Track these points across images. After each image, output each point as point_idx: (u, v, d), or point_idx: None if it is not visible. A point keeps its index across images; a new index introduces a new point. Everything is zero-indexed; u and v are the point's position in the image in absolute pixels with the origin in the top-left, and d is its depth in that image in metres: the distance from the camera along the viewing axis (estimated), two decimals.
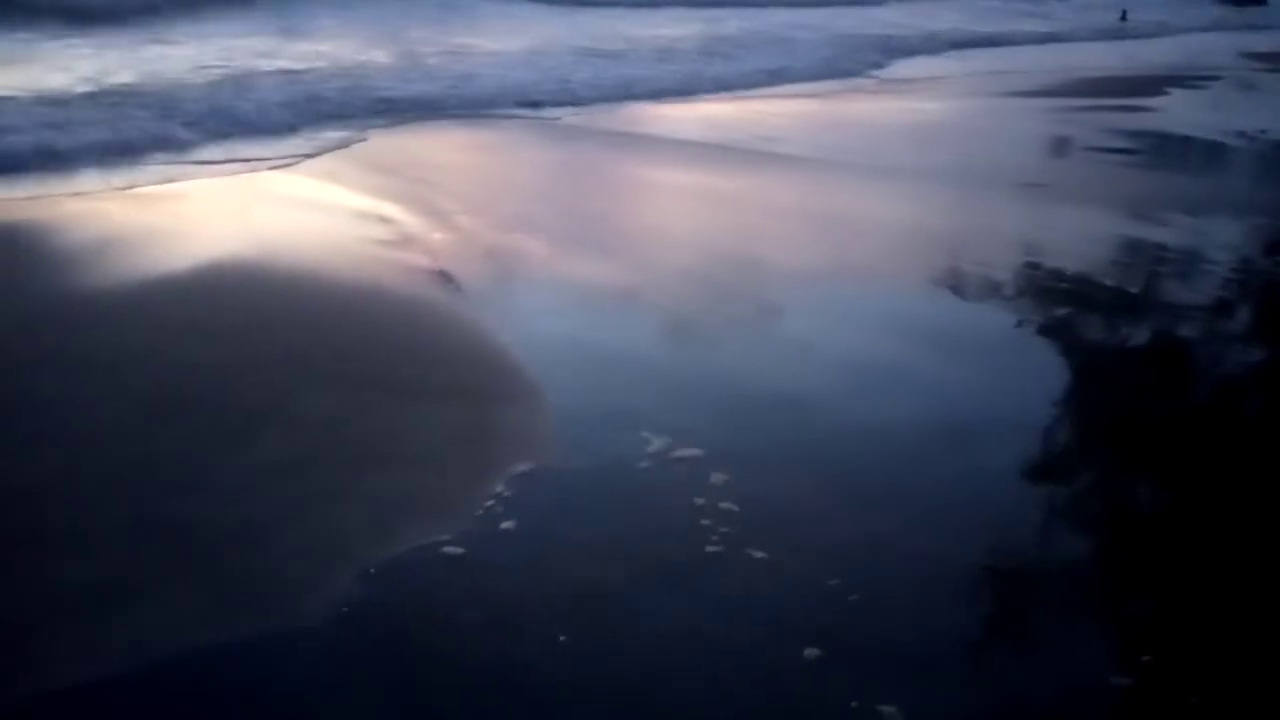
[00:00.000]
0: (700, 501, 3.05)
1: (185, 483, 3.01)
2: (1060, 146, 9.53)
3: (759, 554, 2.81)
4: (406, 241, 5.27)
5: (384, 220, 5.56)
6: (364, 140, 7.52)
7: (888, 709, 2.25)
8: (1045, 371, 4.23)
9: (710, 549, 2.85)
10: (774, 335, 4.52)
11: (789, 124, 9.56)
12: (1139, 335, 4.90)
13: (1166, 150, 9.63)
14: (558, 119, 9.08)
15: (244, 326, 4.09)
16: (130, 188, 5.96)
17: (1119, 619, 2.74)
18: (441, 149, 7.93)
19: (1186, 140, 9.95)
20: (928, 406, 3.84)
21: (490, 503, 2.99)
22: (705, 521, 2.96)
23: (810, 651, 2.43)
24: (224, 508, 2.90)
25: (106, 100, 7.85)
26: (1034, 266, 5.63)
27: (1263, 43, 19.15)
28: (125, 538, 2.76)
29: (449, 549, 2.78)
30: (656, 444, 3.36)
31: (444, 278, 4.79)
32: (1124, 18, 22.45)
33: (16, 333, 3.94)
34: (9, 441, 3.20)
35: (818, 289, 5.14)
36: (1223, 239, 6.38)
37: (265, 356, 3.83)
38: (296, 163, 6.75)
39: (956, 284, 5.32)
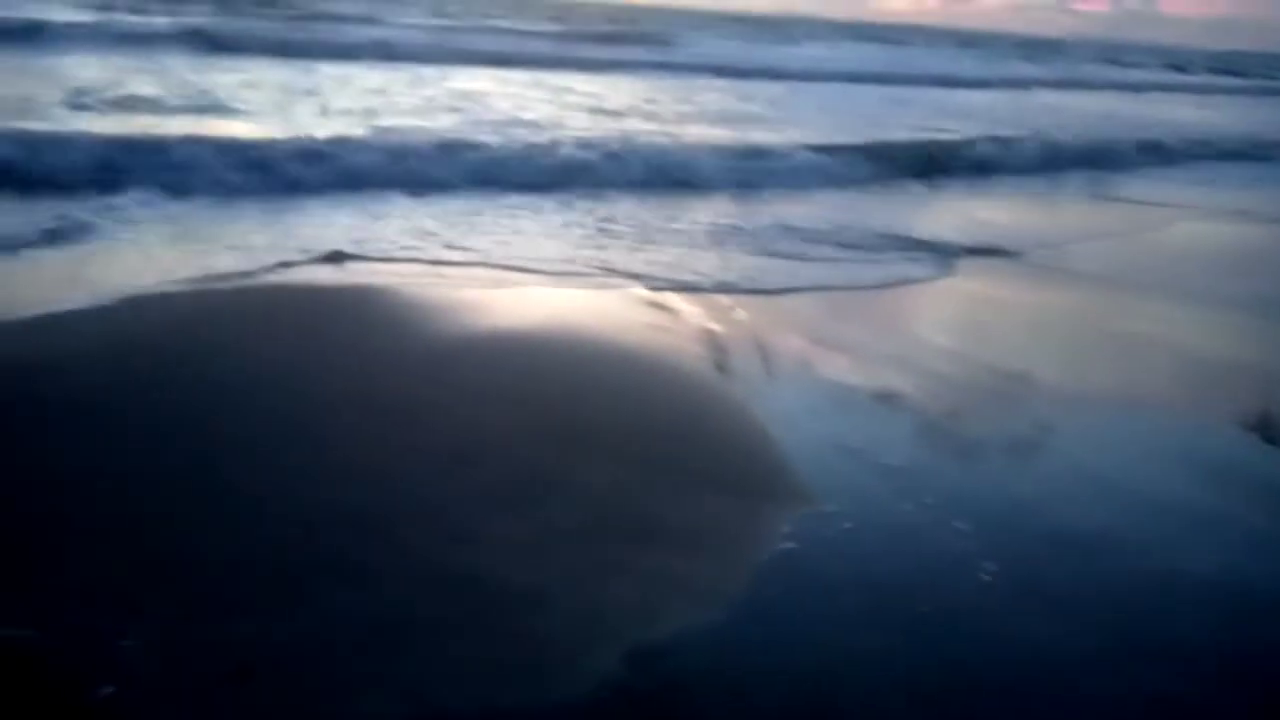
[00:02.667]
0: (975, 636, 2.88)
1: (471, 537, 3.15)
2: None
3: (1028, 695, 2.65)
4: (689, 330, 5.35)
5: (669, 308, 5.71)
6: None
7: None
8: None
9: (977, 679, 2.69)
10: (1058, 463, 4.22)
11: (1048, 232, 9.06)
12: None
13: None
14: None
15: (535, 394, 4.29)
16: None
17: None
18: None
19: None
20: (1238, 562, 3.45)
21: (755, 599, 2.95)
22: (973, 654, 2.79)
23: None
24: (506, 567, 3.00)
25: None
26: None
27: None
28: (410, 581, 2.91)
29: (712, 639, 2.76)
30: (925, 563, 3.23)
31: (721, 369, 4.83)
32: None
33: (339, 379, 4.31)
34: (316, 475, 3.46)
35: (1109, 417, 4.76)
36: None
37: (553, 425, 3.99)
38: None
39: (1273, 428, 4.77)
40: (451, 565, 2.99)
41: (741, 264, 6.89)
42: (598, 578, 2.99)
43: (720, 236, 7.68)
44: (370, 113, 11.58)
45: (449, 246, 6.68)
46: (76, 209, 6.52)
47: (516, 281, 6.10)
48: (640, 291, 6.00)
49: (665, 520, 3.35)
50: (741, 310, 5.80)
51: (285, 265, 5.94)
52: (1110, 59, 47.91)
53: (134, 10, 23.94)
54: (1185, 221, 10.28)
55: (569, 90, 16.29)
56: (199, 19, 22.02)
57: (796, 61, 28.12)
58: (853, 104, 18.98)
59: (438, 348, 4.77)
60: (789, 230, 7.99)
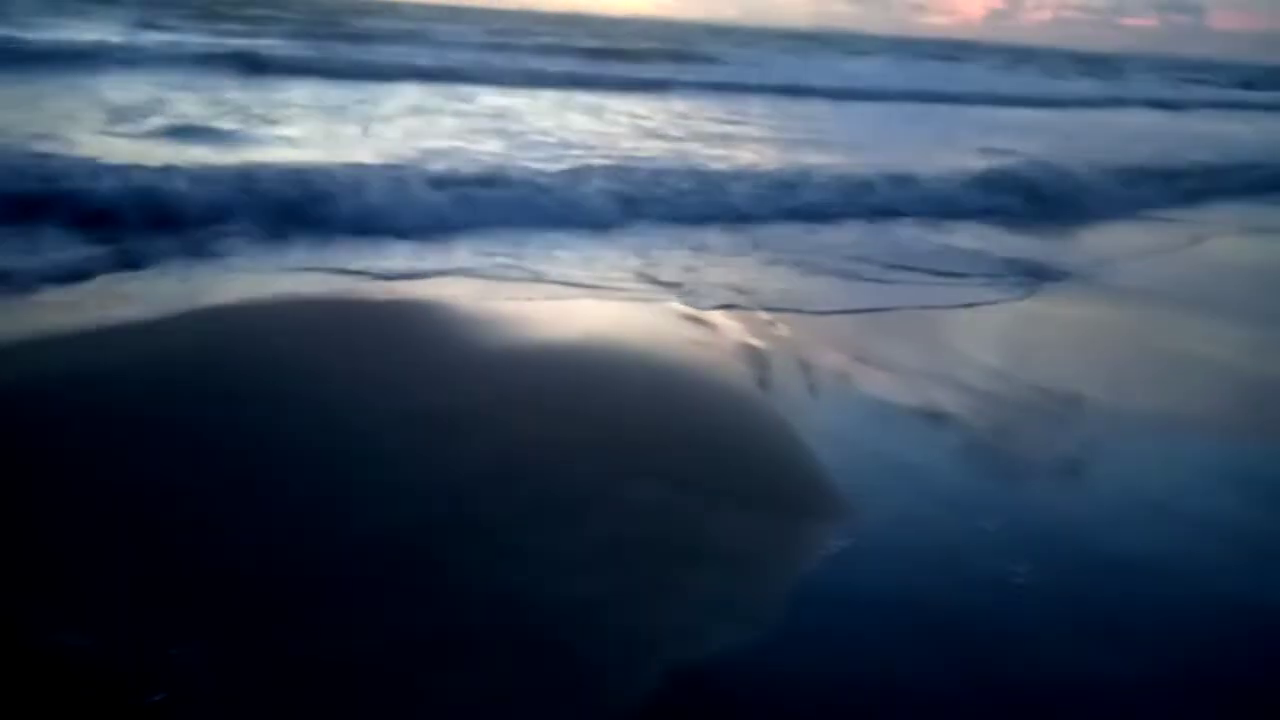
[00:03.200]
0: (1021, 660, 2.83)
1: (517, 553, 3.16)
2: None
3: None
4: (735, 347, 5.34)
5: (713, 326, 5.70)
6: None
7: None
8: None
9: (1022, 703, 2.65)
10: (1108, 484, 4.13)
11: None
12: None
13: None
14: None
15: (576, 409, 4.29)
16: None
17: None
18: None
19: None
20: None
21: (798, 618, 2.93)
22: (1019, 678, 2.75)
23: None
24: (552, 583, 3.01)
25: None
26: None
27: None
28: (456, 596, 2.93)
29: (754, 658, 2.74)
30: (970, 584, 3.18)
31: (762, 385, 4.81)
32: None
33: (385, 393, 4.33)
34: (363, 488, 3.49)
35: (1160, 437, 4.66)
36: None
37: (598, 440, 4.00)
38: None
39: None
40: (497, 581, 3.00)
41: (806, 284, 6.89)
42: (642, 595, 2.99)
43: (799, 256, 7.66)
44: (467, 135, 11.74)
45: (500, 263, 6.74)
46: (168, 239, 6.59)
47: (575, 297, 6.14)
48: (682, 307, 6.01)
49: (709, 537, 3.34)
50: (790, 327, 5.78)
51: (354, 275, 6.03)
52: (1176, 76, 46.00)
53: (175, 29, 24.48)
54: (1229, 237, 10.11)
55: (659, 113, 16.44)
56: (274, 41, 22.43)
57: (859, 79, 27.81)
58: (940, 125, 18.88)
59: (481, 361, 4.80)
60: (863, 253, 7.94)
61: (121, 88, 13.49)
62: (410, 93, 16.07)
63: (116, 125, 10.56)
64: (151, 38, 21.72)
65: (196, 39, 22.17)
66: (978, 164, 11.99)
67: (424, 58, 21.95)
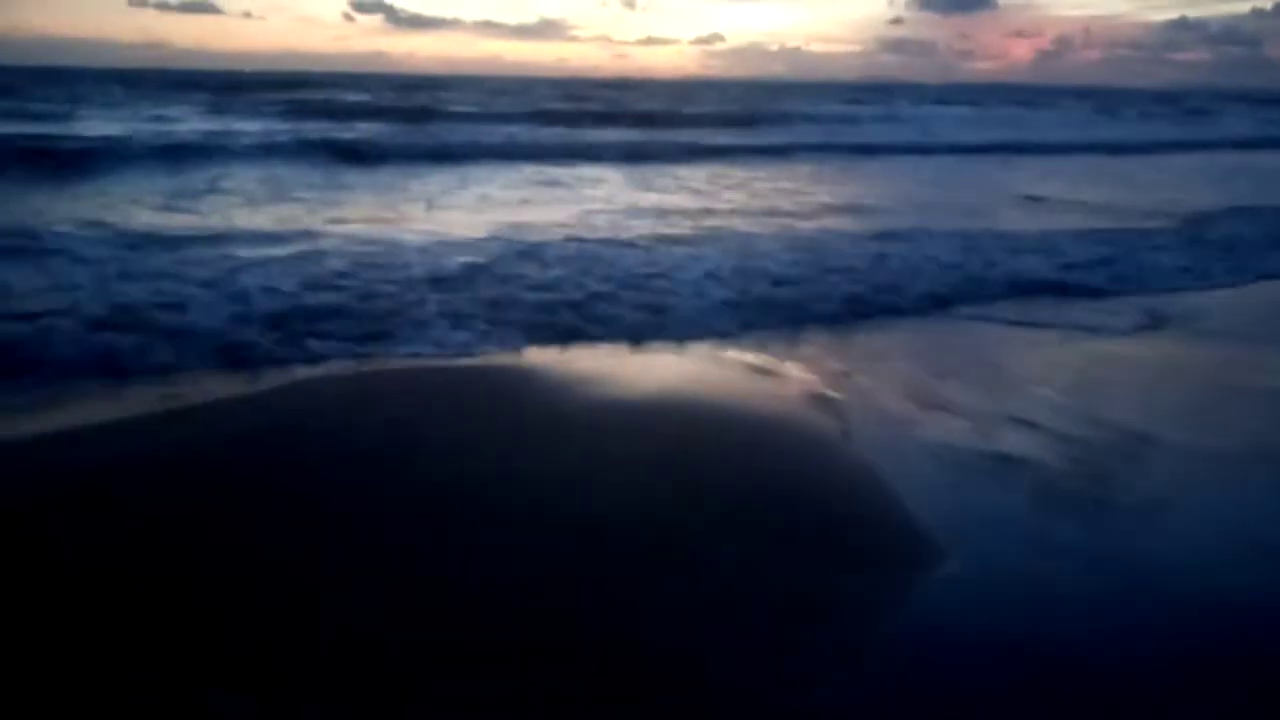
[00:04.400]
0: (1114, 699, 2.79)
1: (628, 606, 3.21)
2: None
3: None
4: (814, 400, 5.34)
5: (789, 376, 5.75)
6: None
7: None
8: None
9: None
10: (1201, 522, 4.00)
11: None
12: None
13: None
14: None
15: (670, 463, 4.35)
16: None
17: None
18: None
19: None
20: None
21: (896, 667, 2.93)
22: None
23: None
24: (663, 634, 3.04)
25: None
26: None
27: None
28: (578, 649, 2.97)
29: (861, 708, 2.74)
30: (1066, 627, 3.15)
31: (846, 435, 4.80)
32: None
33: (490, 451, 4.45)
34: (467, 548, 3.56)
35: (1255, 474, 4.50)
36: None
37: (688, 494, 4.04)
38: None
39: None
40: (620, 634, 3.04)
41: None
42: (746, 647, 3.00)
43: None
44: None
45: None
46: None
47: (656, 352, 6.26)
48: (757, 358, 6.06)
49: (812, 588, 3.34)
50: (867, 376, 5.78)
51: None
52: (1260, 116, 43.52)
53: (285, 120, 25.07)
54: None
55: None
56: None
57: (937, 132, 27.68)
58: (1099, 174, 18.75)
59: (577, 420, 4.87)
60: None
61: (231, 175, 14.53)
62: (510, 174, 16.52)
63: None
64: (245, 126, 22.32)
65: (284, 126, 22.73)
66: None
67: (520, 134, 22.64)
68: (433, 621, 3.10)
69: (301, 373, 5.55)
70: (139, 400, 5.06)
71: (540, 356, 6.07)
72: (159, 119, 24.29)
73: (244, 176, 14.87)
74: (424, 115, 28.19)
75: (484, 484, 4.09)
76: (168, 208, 11.78)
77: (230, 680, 2.78)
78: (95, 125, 21.59)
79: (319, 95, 37.70)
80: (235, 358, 5.76)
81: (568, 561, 3.48)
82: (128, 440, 4.53)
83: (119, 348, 5.69)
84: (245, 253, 8.63)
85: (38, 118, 23.38)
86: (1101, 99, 56.04)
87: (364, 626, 3.05)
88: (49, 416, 4.79)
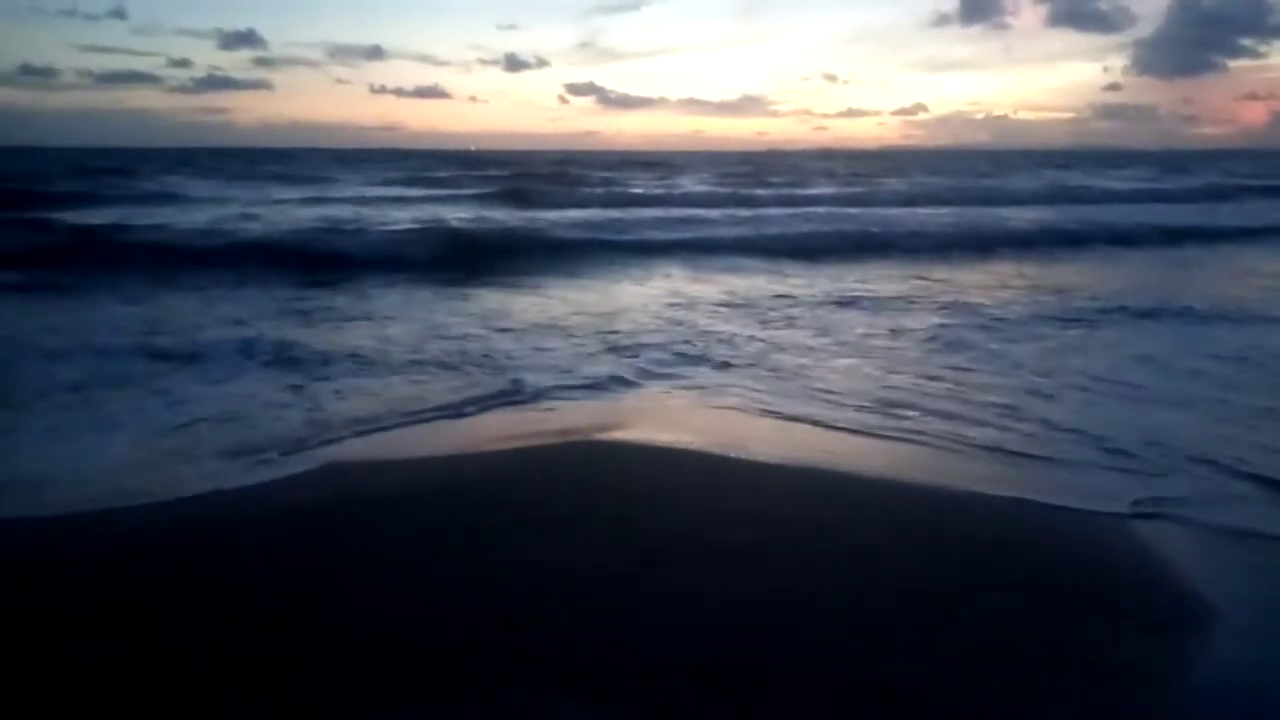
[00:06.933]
0: None
1: (886, 652, 3.25)
2: None
3: None
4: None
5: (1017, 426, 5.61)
6: None
7: None
8: None
9: None
10: None
11: None
12: None
13: None
14: None
15: (924, 526, 4.39)
16: None
17: None
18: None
19: None
20: None
21: None
22: None
23: None
24: (923, 682, 3.07)
25: None
26: None
27: None
28: (839, 686, 3.04)
29: None
30: None
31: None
32: None
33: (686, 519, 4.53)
34: (716, 599, 3.64)
35: None
36: None
37: (947, 553, 4.08)
38: None
39: None
40: (877, 677, 3.10)
41: None
42: (1020, 701, 3.00)
43: None
44: None
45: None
46: None
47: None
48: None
49: (1076, 648, 3.30)
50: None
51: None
52: None
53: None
54: None
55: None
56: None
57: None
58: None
59: (772, 481, 4.95)
60: None
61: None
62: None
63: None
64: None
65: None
66: None
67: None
68: (673, 686, 3.09)
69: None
70: None
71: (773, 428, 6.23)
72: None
73: None
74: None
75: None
76: None
77: None
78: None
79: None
80: None
81: (820, 614, 3.55)
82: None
83: None
84: None
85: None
86: None
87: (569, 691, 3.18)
88: None
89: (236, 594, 3.61)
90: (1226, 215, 23.20)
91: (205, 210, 22.35)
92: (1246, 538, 4.23)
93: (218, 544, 4.09)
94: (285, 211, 21.91)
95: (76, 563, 3.94)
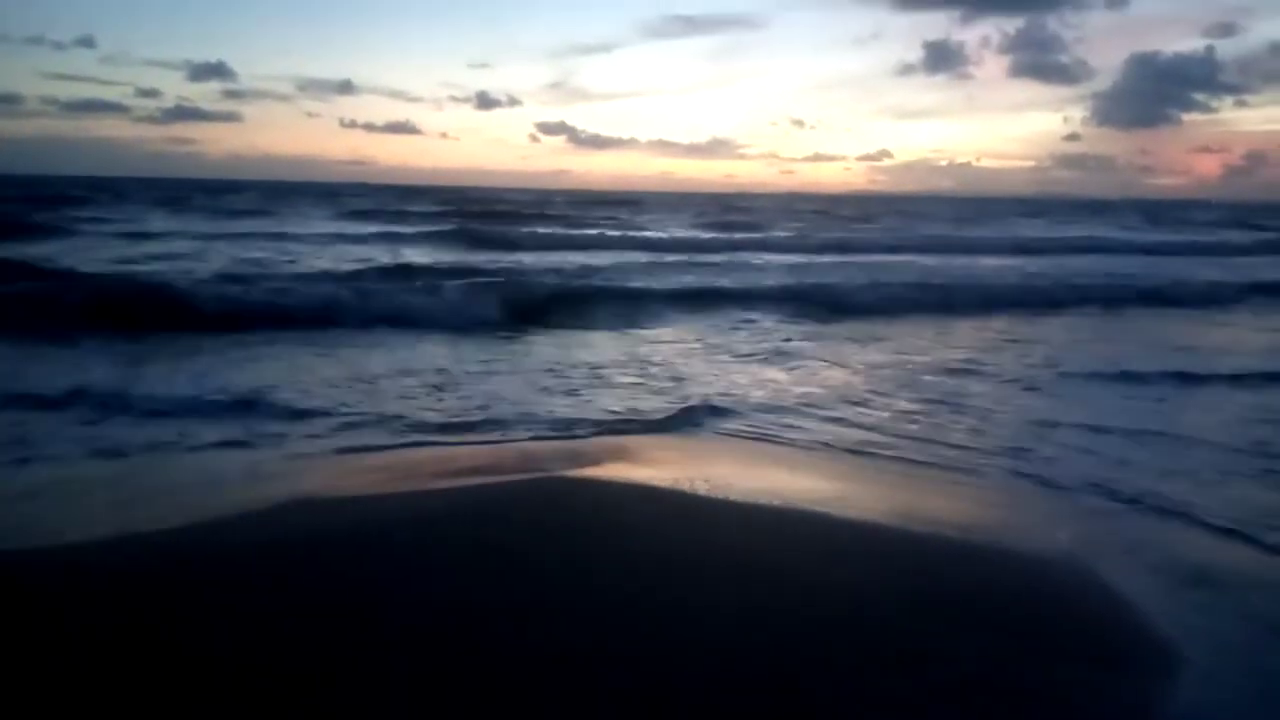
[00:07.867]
0: None
1: (867, 698, 3.23)
2: None
3: None
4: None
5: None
6: None
7: None
8: None
9: None
10: None
11: None
12: None
13: None
14: None
15: (894, 563, 4.38)
16: None
17: None
18: None
19: None
20: None
21: None
22: None
23: None
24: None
25: None
26: None
27: None
28: None
29: None
30: None
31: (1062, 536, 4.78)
32: None
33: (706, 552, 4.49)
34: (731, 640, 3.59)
35: None
36: None
37: (918, 593, 4.05)
38: None
39: None
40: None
41: None
42: None
43: None
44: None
45: None
46: None
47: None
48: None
49: (1042, 690, 3.31)
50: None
51: None
52: None
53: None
54: None
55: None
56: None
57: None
58: None
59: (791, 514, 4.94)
60: None
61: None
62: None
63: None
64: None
65: None
66: None
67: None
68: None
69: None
70: None
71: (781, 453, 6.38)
72: None
73: None
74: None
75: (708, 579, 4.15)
76: None
77: None
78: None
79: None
80: None
81: (809, 653, 3.51)
82: None
83: None
84: None
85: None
86: None
87: None
88: None
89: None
90: None
91: (110, 248, 20.81)
92: (1204, 578, 4.30)
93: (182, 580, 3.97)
94: (213, 249, 20.61)
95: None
